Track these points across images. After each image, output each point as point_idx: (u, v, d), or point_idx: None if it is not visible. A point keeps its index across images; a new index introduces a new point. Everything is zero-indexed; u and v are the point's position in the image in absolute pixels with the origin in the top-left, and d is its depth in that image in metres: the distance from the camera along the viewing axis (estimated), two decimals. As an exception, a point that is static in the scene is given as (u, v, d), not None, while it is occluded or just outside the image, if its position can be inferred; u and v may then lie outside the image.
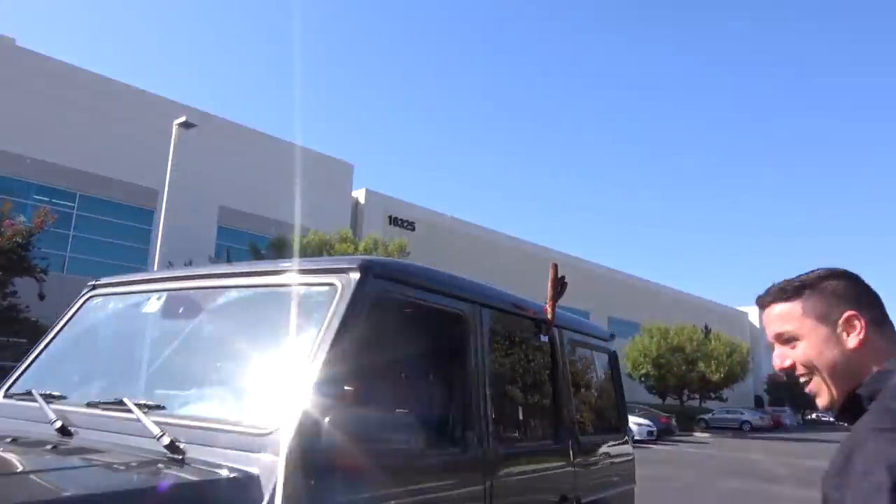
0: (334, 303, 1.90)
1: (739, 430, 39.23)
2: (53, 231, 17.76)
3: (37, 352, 2.58)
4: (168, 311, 2.40)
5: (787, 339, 1.23)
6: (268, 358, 2.02)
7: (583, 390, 3.42)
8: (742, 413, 42.66)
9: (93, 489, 1.48)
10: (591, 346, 3.64)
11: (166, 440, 1.76)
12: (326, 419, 1.66)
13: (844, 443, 1.05)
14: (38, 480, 1.56)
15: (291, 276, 2.11)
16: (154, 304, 2.44)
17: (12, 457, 1.80)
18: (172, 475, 1.60)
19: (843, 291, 1.21)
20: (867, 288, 1.25)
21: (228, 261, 24.57)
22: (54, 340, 2.60)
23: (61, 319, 2.66)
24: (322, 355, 1.78)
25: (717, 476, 13.96)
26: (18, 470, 1.64)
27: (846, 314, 1.18)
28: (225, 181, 27.21)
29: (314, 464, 1.64)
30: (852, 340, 1.16)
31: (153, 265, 19.19)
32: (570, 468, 3.04)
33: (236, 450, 1.69)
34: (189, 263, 23.59)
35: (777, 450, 24.44)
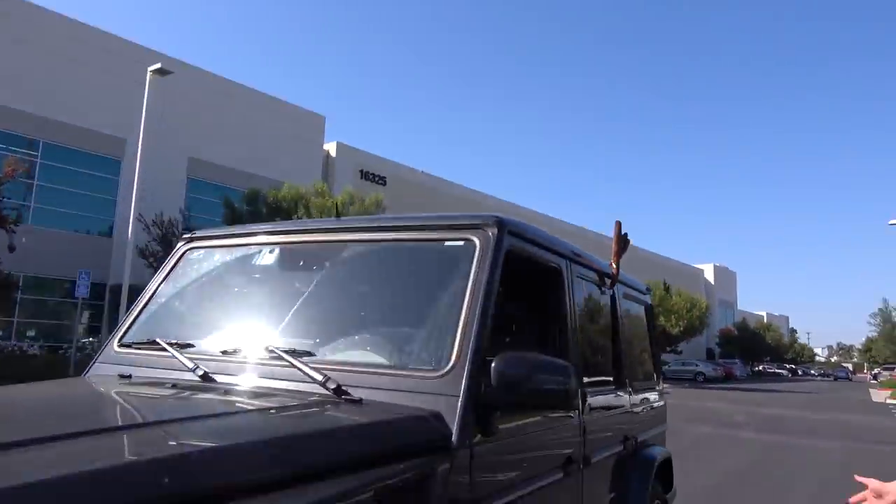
0: (477, 257, 2.04)
1: (694, 380, 41.03)
2: (17, 180, 17.10)
3: (141, 305, 2.63)
4: (287, 264, 2.49)
5: None
6: (415, 307, 2.15)
7: (633, 340, 3.66)
8: (697, 365, 44.56)
9: (301, 429, 1.59)
10: (636, 299, 3.87)
11: (332, 384, 1.89)
12: (493, 362, 1.81)
13: None
14: (247, 422, 1.66)
15: (425, 231, 2.23)
16: (269, 257, 2.52)
17: (196, 401, 1.89)
18: (364, 415, 1.72)
19: None
20: None
21: (188, 223, 24.12)
22: (157, 293, 2.66)
23: (161, 272, 2.72)
24: (477, 304, 1.92)
25: (685, 423, 14.71)
26: (220, 412, 1.73)
27: None
28: (194, 131, 26.45)
29: (486, 400, 1.80)
30: None
31: (127, 217, 18.74)
32: (628, 410, 3.30)
33: (408, 391, 1.83)
34: (160, 215, 23.10)
35: (732, 399, 25.74)
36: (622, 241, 3.33)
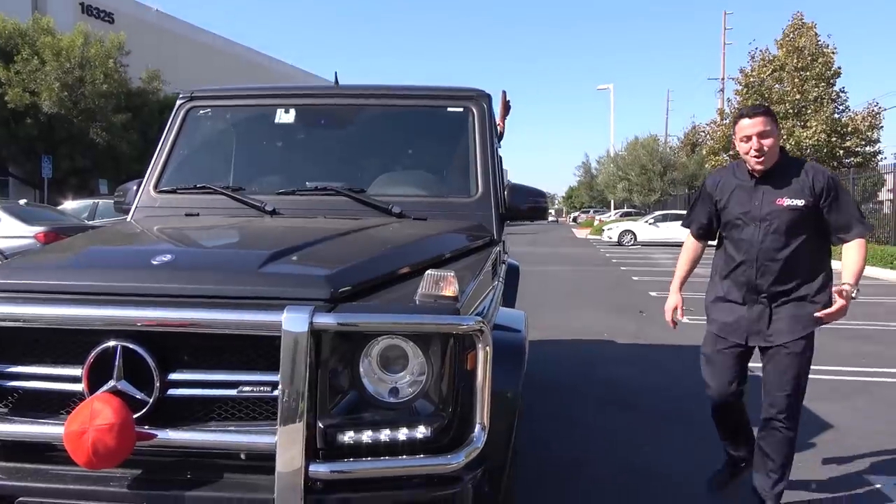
0: (478, 120, 2.92)
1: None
2: None
3: (164, 157, 2.95)
4: (308, 123, 3.06)
5: (766, 135, 2.55)
6: (434, 156, 2.98)
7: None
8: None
9: (413, 237, 2.35)
10: (498, 151, 5.03)
11: (397, 209, 2.69)
12: (505, 190, 2.81)
13: (819, 169, 2.68)
14: (392, 230, 2.35)
15: (429, 99, 3.00)
16: (287, 116, 3.05)
17: (329, 223, 2.44)
18: (442, 227, 2.57)
19: (774, 117, 2.64)
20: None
21: None
22: (175, 149, 2.97)
23: (171, 128, 3.03)
24: (487, 152, 2.85)
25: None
26: (358, 227, 2.33)
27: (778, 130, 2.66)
28: None
29: (502, 214, 2.80)
30: (778, 141, 2.63)
31: None
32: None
33: (449, 212, 2.71)
34: None
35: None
36: (506, 107, 4.40)
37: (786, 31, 23.08)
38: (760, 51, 23.75)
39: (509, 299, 4.31)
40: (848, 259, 2.61)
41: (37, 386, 1.60)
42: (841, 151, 22.25)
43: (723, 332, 2.75)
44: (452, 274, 1.63)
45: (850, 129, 22.07)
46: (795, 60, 22.20)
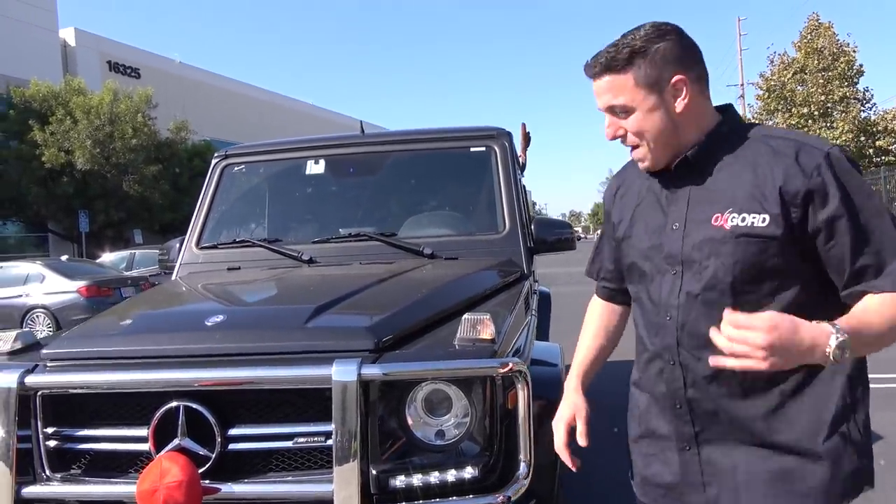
0: (500, 157, 3.01)
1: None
2: None
3: (203, 214, 3.10)
4: (338, 172, 3.19)
5: (620, 112, 1.22)
6: (460, 195, 3.07)
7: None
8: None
9: (447, 279, 2.40)
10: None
11: (428, 251, 2.78)
12: (532, 224, 2.89)
13: (804, 143, 1.17)
14: (422, 273, 2.43)
15: (452, 141, 3.11)
16: (317, 167, 3.18)
17: (367, 270, 2.51)
18: (476, 265, 2.63)
19: (671, 53, 1.18)
20: (690, 41, 1.20)
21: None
22: (213, 206, 3.13)
23: (208, 186, 3.19)
24: (511, 188, 2.93)
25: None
26: (397, 272, 2.39)
27: (674, 79, 1.17)
28: None
29: (530, 248, 2.87)
30: (679, 105, 1.18)
31: None
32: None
33: (478, 249, 2.79)
34: None
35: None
36: (526, 138, 4.49)
37: (803, 32, 22.94)
38: (779, 54, 23.62)
39: (543, 328, 4.35)
40: (867, 308, 1.12)
41: (107, 448, 1.71)
42: (871, 151, 21.88)
43: (649, 498, 1.37)
44: (488, 316, 1.70)
45: (881, 127, 21.72)
46: (816, 61, 22.01)
